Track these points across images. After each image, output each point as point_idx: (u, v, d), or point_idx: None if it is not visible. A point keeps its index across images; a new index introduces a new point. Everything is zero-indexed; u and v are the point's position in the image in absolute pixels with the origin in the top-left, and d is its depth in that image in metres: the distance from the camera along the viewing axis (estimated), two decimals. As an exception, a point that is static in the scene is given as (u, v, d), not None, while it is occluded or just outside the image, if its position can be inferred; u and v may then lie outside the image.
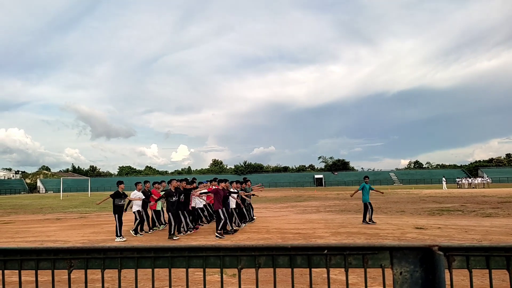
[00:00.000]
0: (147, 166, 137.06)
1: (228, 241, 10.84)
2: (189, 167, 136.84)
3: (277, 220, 15.19)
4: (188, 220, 13.01)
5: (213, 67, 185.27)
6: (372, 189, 14.11)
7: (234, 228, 12.92)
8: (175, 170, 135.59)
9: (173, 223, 11.72)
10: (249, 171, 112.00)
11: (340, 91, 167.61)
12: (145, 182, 14.24)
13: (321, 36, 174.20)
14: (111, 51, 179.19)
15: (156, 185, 14.41)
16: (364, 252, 1.77)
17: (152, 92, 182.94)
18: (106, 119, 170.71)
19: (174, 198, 12.02)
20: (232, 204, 12.99)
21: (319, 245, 1.81)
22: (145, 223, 13.97)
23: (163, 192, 13.10)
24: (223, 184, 12.55)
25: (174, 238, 11.76)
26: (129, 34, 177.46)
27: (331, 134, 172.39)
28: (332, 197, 33.07)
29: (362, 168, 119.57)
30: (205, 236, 11.92)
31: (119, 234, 12.16)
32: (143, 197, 13.29)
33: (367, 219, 13.19)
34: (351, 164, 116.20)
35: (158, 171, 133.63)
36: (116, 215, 12.21)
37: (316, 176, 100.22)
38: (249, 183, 15.42)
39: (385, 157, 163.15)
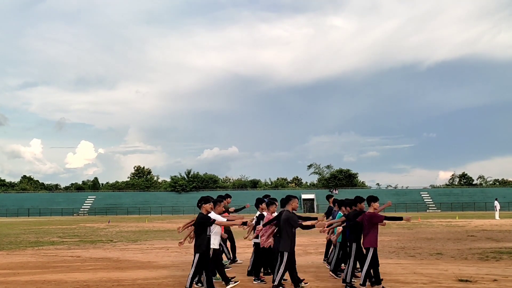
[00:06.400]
0: (25, 176, 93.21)
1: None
2: (96, 178, 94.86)
3: (239, 267, 11.37)
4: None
5: (138, 13, 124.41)
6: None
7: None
8: (72, 184, 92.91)
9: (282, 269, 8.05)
10: (195, 186, 77.48)
11: (347, 59, 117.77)
12: (226, 196, 11.21)
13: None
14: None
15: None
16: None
17: (34, 52, 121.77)
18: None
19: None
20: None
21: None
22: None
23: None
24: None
25: None
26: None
27: (330, 128, 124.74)
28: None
29: (378, 184, 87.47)
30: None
31: None
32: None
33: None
34: (361, 178, 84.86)
35: (43, 184, 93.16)
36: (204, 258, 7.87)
37: (304, 196, 70.85)
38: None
39: (415, 166, 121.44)
